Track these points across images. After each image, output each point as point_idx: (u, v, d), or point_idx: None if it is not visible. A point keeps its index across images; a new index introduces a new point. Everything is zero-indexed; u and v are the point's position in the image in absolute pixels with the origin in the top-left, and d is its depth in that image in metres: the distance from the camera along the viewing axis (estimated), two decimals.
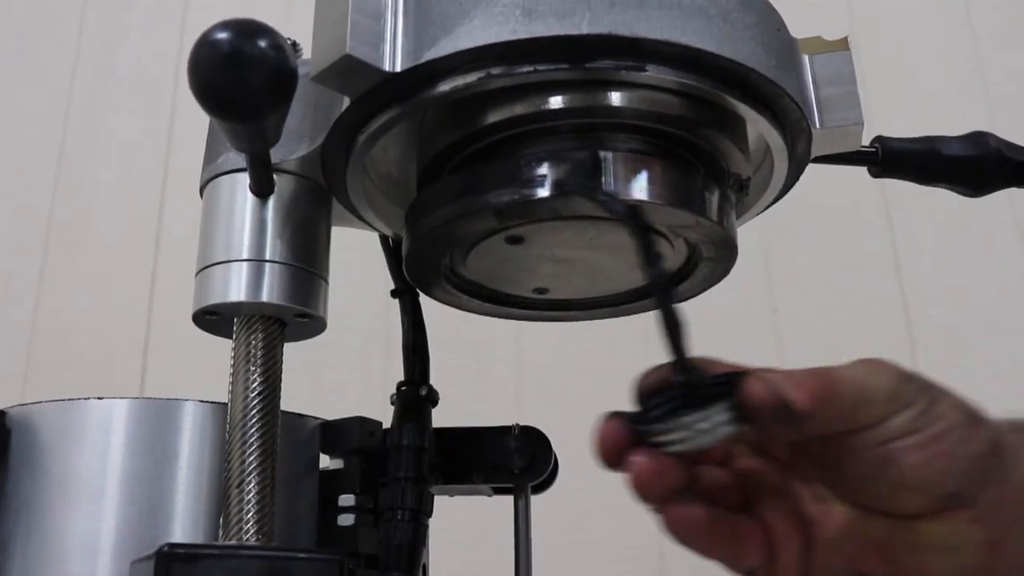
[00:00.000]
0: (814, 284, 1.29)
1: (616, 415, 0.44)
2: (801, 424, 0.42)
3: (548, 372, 1.22)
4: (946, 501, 0.43)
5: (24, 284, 1.31)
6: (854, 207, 1.30)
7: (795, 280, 1.29)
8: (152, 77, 1.42)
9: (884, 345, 1.23)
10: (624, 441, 0.43)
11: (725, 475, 0.49)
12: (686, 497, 0.45)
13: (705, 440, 0.42)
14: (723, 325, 1.17)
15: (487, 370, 1.22)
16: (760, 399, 0.41)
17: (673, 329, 0.42)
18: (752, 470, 0.50)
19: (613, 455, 0.43)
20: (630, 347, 1.11)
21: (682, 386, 0.43)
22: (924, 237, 1.30)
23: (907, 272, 1.28)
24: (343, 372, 1.22)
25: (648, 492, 0.43)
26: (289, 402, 0.53)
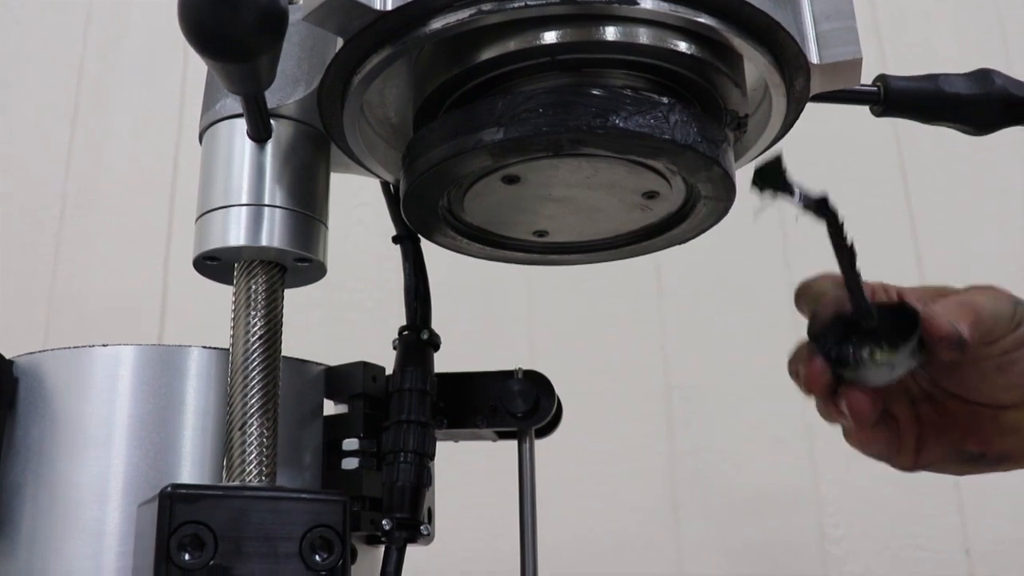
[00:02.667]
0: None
1: (815, 351, 0.53)
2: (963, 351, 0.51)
3: (560, 319, 1.21)
4: None
5: (42, 245, 1.31)
6: (867, 159, 1.29)
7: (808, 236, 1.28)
8: (163, 40, 1.42)
9: None
10: (829, 377, 0.53)
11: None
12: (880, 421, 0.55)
13: (896, 374, 0.52)
14: (738, 280, 1.17)
15: (498, 318, 1.21)
16: (947, 335, 0.51)
17: (854, 279, 0.51)
18: None
19: (823, 391, 0.54)
20: (643, 292, 1.11)
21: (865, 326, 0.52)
22: (936, 185, 1.29)
23: (920, 225, 1.28)
24: (359, 331, 1.22)
25: (864, 421, 0.54)
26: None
